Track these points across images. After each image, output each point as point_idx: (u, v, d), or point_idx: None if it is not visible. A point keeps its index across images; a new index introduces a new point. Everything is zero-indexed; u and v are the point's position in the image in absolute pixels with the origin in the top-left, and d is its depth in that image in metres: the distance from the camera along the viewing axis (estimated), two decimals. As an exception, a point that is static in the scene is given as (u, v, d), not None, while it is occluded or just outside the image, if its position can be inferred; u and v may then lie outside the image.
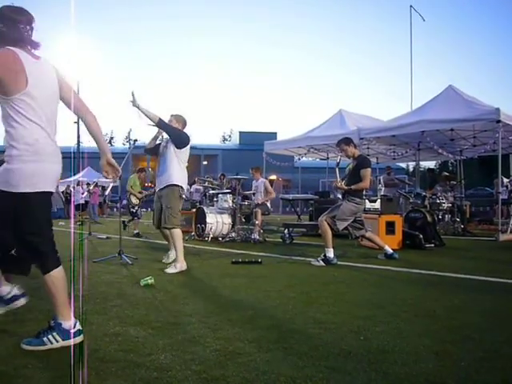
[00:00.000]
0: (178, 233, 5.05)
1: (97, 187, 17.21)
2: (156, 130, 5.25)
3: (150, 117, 4.90)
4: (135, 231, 9.93)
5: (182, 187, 5.14)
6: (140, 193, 10.23)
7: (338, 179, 5.92)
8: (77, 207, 16.32)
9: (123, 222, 10.01)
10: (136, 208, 10.22)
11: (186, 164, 5.31)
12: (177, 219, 5.10)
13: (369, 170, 5.77)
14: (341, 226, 5.70)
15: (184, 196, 5.28)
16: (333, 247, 5.55)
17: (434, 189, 10.46)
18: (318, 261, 5.47)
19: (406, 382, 1.93)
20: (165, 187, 5.11)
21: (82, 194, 15.96)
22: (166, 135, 5.26)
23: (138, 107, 4.80)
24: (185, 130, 5.34)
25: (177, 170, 5.12)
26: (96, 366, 2.09)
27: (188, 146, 5.23)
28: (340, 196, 6.11)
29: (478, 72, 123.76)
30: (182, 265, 4.92)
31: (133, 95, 4.75)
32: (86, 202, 16.66)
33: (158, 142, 5.44)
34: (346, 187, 5.79)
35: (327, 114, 13.58)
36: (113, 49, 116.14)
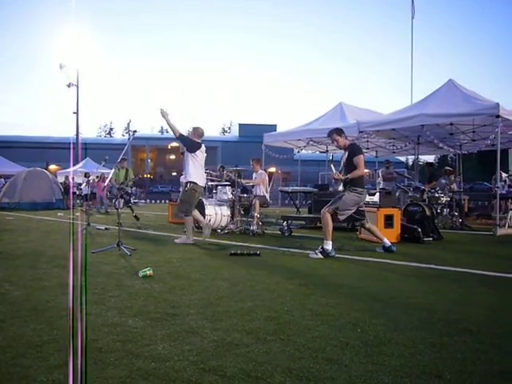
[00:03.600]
0: (188, 218, 6.90)
1: (103, 178, 17.18)
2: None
3: (174, 130, 6.68)
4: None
5: (195, 183, 6.77)
6: (122, 183, 10.27)
7: (335, 171, 5.96)
8: (84, 198, 16.38)
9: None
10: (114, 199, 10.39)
11: (203, 163, 6.97)
12: (188, 208, 6.84)
13: (361, 156, 5.78)
14: (343, 216, 5.73)
15: (197, 189, 6.86)
16: (332, 240, 5.55)
17: (438, 182, 10.48)
18: (315, 253, 5.48)
19: (403, 374, 1.94)
20: (186, 183, 6.90)
21: (91, 184, 15.91)
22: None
23: (166, 119, 6.58)
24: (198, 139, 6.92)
25: (192, 169, 6.77)
26: (94, 356, 2.10)
27: (201, 150, 6.87)
28: (341, 188, 6.12)
29: (478, 66, 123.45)
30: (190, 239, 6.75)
31: (163, 112, 6.49)
32: (92, 193, 16.65)
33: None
34: (343, 177, 5.81)
35: (328, 107, 13.53)
36: (113, 39, 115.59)
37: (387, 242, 5.98)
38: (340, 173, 5.93)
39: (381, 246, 5.99)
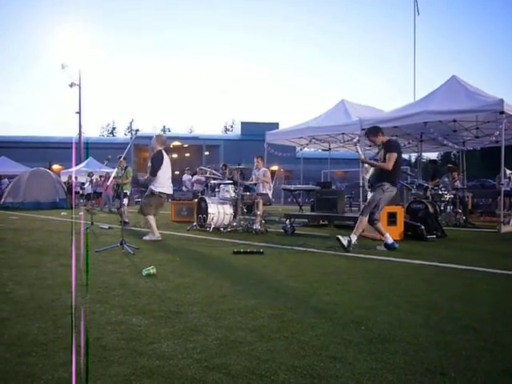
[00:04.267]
0: (149, 218, 7.01)
1: (108, 178, 17.21)
2: None
3: (147, 180, 7.18)
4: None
5: (162, 192, 7.02)
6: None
7: (361, 153, 6.31)
8: (87, 197, 16.44)
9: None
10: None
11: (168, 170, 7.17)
12: (150, 211, 7.01)
13: (394, 154, 5.86)
14: (379, 211, 5.99)
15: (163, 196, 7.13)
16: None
17: (440, 180, 10.45)
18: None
19: (407, 372, 1.94)
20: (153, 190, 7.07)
21: (95, 183, 15.90)
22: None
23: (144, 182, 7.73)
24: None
25: (161, 179, 6.95)
26: (99, 354, 2.11)
27: (164, 159, 7.01)
28: (368, 176, 6.23)
29: (482, 63, 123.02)
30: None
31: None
32: (96, 193, 16.68)
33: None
34: (368, 160, 6.06)
35: (330, 105, 13.49)
36: (115, 38, 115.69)
37: (390, 238, 5.97)
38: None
39: (382, 244, 5.98)
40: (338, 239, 5.73)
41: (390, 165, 5.79)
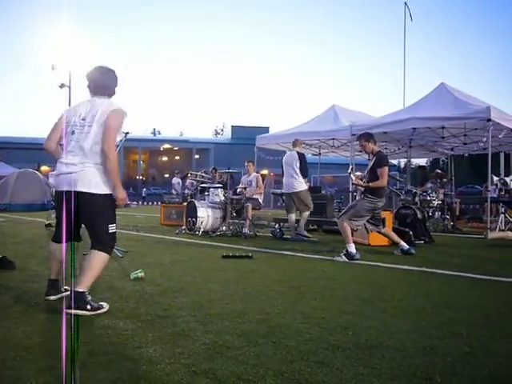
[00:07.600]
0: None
1: None
2: None
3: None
4: None
5: None
6: None
7: (354, 178, 6.16)
8: None
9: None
10: None
11: None
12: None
13: (386, 168, 5.79)
14: (358, 223, 5.80)
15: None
16: (353, 242, 5.61)
17: (425, 186, 10.53)
18: (340, 256, 5.46)
19: (394, 377, 1.95)
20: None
21: None
22: None
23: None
24: None
25: None
26: (85, 359, 2.09)
27: None
28: (359, 193, 6.20)
29: (471, 69, 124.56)
30: None
31: None
32: None
33: None
34: (364, 184, 5.86)
35: (321, 110, 13.53)
36: (104, 39, 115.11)
37: (405, 245, 6.02)
38: (362, 179, 6.04)
39: (399, 249, 6.04)
40: (339, 260, 5.38)
41: (384, 181, 5.76)
